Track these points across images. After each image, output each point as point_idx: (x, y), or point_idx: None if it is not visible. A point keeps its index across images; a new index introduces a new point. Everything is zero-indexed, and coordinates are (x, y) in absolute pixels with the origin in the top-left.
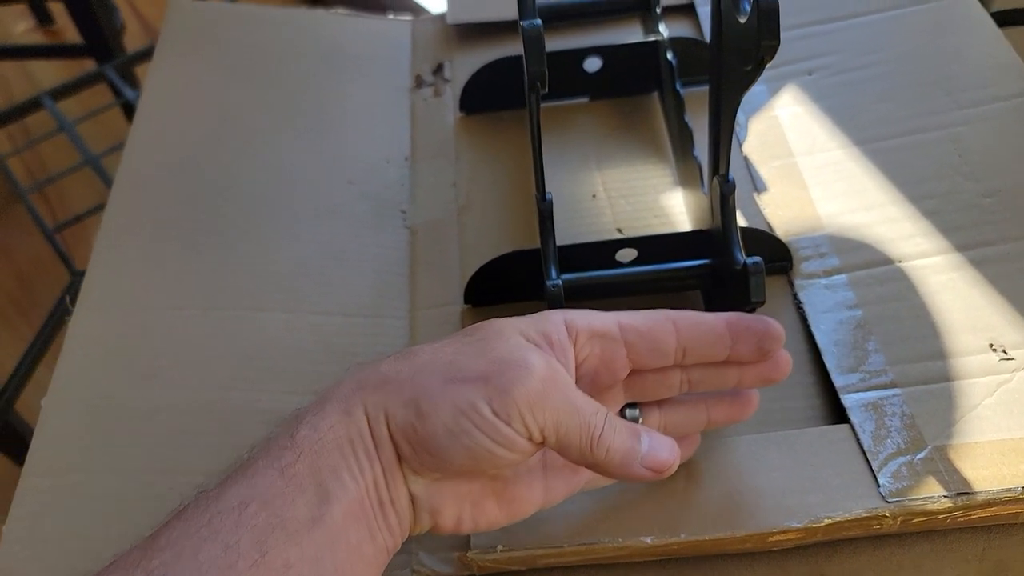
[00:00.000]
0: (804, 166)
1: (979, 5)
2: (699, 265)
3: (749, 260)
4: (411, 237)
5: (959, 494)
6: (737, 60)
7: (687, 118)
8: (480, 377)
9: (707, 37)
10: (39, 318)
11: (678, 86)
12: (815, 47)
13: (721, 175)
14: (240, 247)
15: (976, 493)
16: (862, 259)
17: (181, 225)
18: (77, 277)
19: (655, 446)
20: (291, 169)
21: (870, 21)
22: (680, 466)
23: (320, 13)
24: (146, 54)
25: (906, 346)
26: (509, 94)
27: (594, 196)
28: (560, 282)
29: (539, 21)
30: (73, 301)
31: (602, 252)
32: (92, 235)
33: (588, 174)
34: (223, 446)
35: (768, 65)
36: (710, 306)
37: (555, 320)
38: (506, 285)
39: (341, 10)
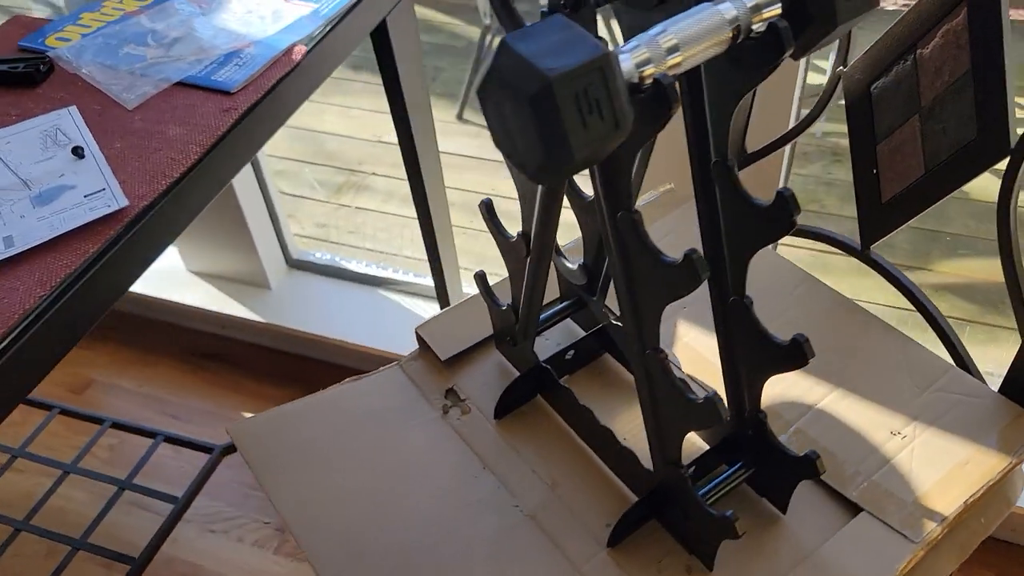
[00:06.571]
0: None
1: None
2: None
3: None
4: (535, 521)
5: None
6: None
7: None
8: None
9: None
10: None
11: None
12: None
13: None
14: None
15: (941, 513)
16: (797, 413)
17: None
18: None
19: None
20: (427, 517)
21: None
22: None
23: (336, 390)
24: None
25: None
26: (520, 398)
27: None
28: None
29: None
30: None
31: None
32: None
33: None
34: None
35: None
36: None
37: None
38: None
39: (347, 380)
